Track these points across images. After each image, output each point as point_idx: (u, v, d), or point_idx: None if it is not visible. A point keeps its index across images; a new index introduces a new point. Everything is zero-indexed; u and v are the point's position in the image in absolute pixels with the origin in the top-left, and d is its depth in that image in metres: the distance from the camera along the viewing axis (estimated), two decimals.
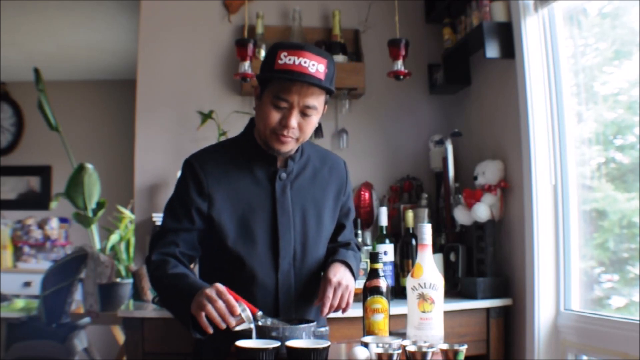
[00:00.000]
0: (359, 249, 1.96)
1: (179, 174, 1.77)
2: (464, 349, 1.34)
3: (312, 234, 1.75)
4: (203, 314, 1.44)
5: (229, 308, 1.44)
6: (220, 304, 1.44)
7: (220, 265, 1.72)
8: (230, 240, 1.67)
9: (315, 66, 1.59)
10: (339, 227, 1.88)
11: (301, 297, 1.75)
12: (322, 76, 1.60)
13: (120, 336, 3.97)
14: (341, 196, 1.84)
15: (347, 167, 1.90)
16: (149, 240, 2.89)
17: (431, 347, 1.34)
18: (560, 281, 2.50)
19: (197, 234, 1.70)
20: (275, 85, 1.61)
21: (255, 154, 1.72)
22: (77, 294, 3.69)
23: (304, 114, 1.63)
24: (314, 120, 1.66)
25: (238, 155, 1.73)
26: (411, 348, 1.34)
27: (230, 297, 1.45)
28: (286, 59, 1.58)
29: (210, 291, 1.45)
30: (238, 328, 1.46)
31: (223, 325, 1.45)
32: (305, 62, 1.58)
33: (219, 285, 1.47)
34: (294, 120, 1.61)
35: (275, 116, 1.62)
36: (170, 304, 1.64)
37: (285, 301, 1.71)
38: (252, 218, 1.68)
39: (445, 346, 1.35)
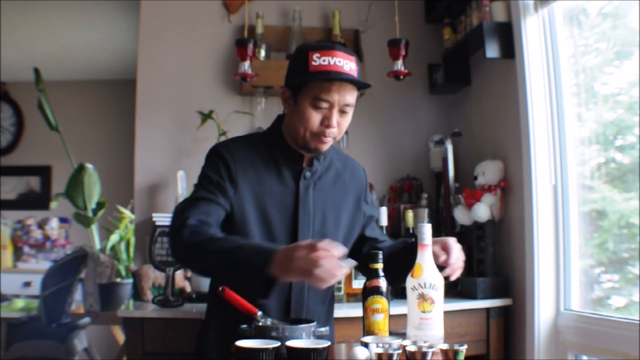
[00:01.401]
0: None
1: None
2: (464, 349, 1.34)
3: (329, 236, 1.73)
4: (316, 271, 1.37)
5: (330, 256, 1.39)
6: (327, 259, 1.38)
7: None
8: (249, 233, 1.66)
9: (349, 64, 1.62)
10: (371, 232, 1.89)
11: (313, 298, 1.75)
12: (355, 73, 1.63)
13: (120, 336, 3.97)
14: (361, 202, 1.85)
15: (365, 173, 1.92)
16: (149, 240, 2.90)
17: (431, 347, 1.34)
18: (560, 281, 2.50)
19: (223, 212, 1.66)
20: (314, 87, 1.62)
21: (282, 151, 1.73)
22: (77, 294, 3.68)
23: (342, 112, 1.65)
24: (349, 117, 1.69)
25: (265, 150, 1.74)
26: (411, 348, 1.33)
27: (324, 245, 1.40)
28: (320, 60, 1.60)
29: (304, 252, 1.39)
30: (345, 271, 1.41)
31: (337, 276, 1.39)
32: (339, 62, 1.60)
33: (303, 243, 1.43)
34: (335, 120, 1.64)
35: (316, 117, 1.64)
36: (234, 265, 1.52)
37: (297, 300, 1.71)
38: (273, 213, 1.69)
39: (445, 346, 1.35)
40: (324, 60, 1.60)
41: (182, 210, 1.64)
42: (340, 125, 1.66)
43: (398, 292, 2.64)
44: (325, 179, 1.77)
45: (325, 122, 1.64)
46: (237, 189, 1.67)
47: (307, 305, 1.74)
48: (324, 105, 1.62)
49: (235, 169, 1.67)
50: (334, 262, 1.38)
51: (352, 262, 1.42)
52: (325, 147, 1.70)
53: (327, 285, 1.39)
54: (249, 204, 1.67)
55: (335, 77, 1.60)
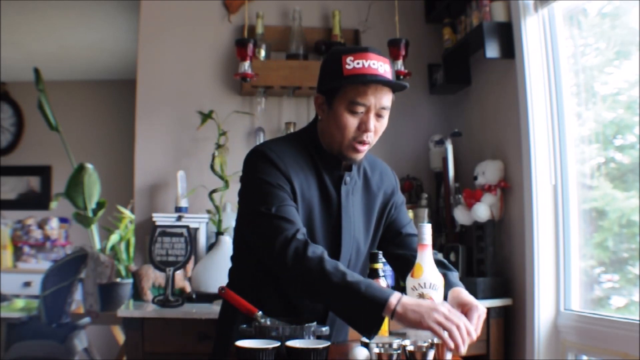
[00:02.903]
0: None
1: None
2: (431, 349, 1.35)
3: (363, 241, 1.73)
4: (446, 332, 1.36)
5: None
6: (462, 325, 1.37)
7: None
8: None
9: (383, 67, 1.58)
10: (400, 222, 1.82)
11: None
12: (389, 75, 1.59)
13: (120, 336, 3.97)
14: (389, 204, 1.80)
15: (394, 173, 1.88)
16: (149, 241, 2.90)
17: (431, 347, 1.34)
18: (560, 281, 2.50)
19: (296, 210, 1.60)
20: (349, 91, 1.58)
21: (321, 156, 1.68)
22: (77, 294, 3.68)
23: (378, 115, 1.61)
24: (385, 121, 1.64)
25: (307, 154, 1.68)
26: (411, 348, 1.33)
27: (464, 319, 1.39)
28: (354, 63, 1.56)
29: (448, 308, 1.39)
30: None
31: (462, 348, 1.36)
32: (374, 64, 1.57)
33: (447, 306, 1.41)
34: (373, 124, 1.60)
35: (353, 122, 1.59)
36: (350, 305, 1.45)
37: (332, 318, 1.67)
38: (316, 219, 1.65)
39: (411, 347, 1.35)
40: (357, 64, 1.56)
41: (275, 230, 1.53)
42: (377, 129, 1.62)
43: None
44: (359, 184, 1.74)
45: (363, 127, 1.59)
46: (293, 188, 1.61)
47: (338, 321, 1.70)
48: (361, 109, 1.58)
49: (288, 172, 1.61)
50: (466, 333, 1.37)
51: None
52: (360, 157, 1.65)
53: (456, 345, 1.35)
54: (299, 209, 1.62)
55: (371, 80, 1.55)
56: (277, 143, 1.71)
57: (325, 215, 1.66)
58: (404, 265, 1.72)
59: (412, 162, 3.23)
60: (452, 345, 1.35)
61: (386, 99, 1.60)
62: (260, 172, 1.61)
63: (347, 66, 1.56)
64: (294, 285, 1.55)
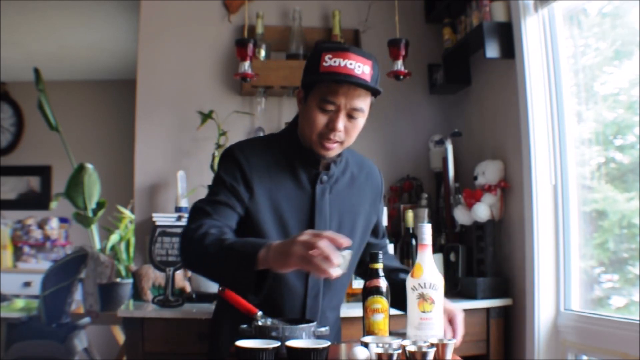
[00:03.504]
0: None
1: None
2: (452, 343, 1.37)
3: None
4: (309, 263, 1.32)
5: (334, 242, 1.33)
6: (326, 242, 1.32)
7: None
8: (266, 238, 1.62)
9: (361, 67, 1.57)
10: (379, 239, 1.89)
11: (328, 303, 1.74)
12: (368, 77, 1.58)
13: (120, 336, 3.97)
14: (377, 204, 1.83)
15: (381, 174, 1.89)
16: (149, 240, 2.90)
17: (431, 346, 1.34)
18: (560, 281, 2.50)
19: (237, 217, 1.64)
20: (322, 88, 1.59)
21: (298, 154, 1.69)
22: (77, 294, 3.68)
23: (350, 116, 1.61)
24: (360, 123, 1.64)
25: (280, 153, 1.70)
26: (411, 348, 1.33)
27: (329, 233, 1.35)
28: (331, 61, 1.56)
29: (306, 236, 1.34)
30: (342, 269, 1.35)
31: (331, 273, 1.32)
32: (351, 64, 1.56)
33: (310, 231, 1.38)
34: (341, 123, 1.60)
35: (322, 119, 1.60)
36: (224, 268, 1.49)
37: (312, 306, 1.69)
38: (289, 219, 1.66)
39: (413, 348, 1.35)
40: (334, 62, 1.56)
41: (196, 214, 1.61)
42: (348, 130, 1.62)
43: None
44: (341, 183, 1.74)
45: (330, 125, 1.59)
46: (252, 194, 1.64)
47: (322, 312, 1.72)
48: (331, 107, 1.59)
49: (251, 174, 1.64)
50: (331, 248, 1.32)
51: (349, 251, 1.38)
52: (330, 153, 1.66)
53: (324, 273, 1.32)
54: (265, 209, 1.64)
55: (342, 79, 1.55)
56: (250, 143, 1.75)
57: (298, 214, 1.67)
58: (364, 273, 1.77)
59: (412, 162, 3.23)
60: (320, 276, 1.36)
61: (359, 100, 1.59)
62: (222, 170, 1.68)
63: (325, 63, 1.57)
64: (190, 268, 1.64)
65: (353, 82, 1.56)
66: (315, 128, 1.61)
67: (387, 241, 2.01)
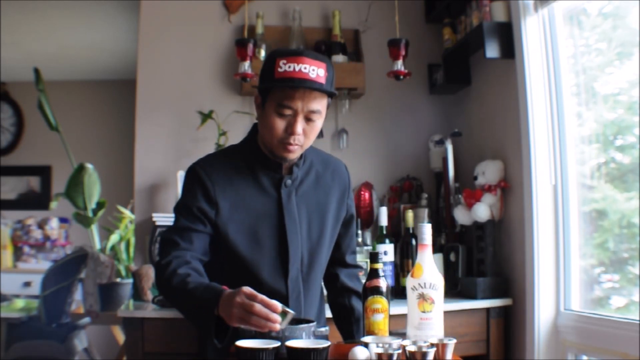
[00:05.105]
0: (361, 267, 2.02)
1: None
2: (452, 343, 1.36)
3: (316, 239, 1.76)
4: (248, 323, 1.38)
5: (269, 308, 1.38)
6: (259, 307, 1.37)
7: (227, 274, 1.71)
8: (238, 249, 1.67)
9: (316, 71, 1.59)
10: (344, 236, 1.90)
11: (309, 302, 1.76)
12: (322, 80, 1.60)
13: (120, 336, 3.97)
14: (345, 200, 1.84)
15: (348, 170, 1.90)
16: (149, 240, 2.90)
17: (431, 346, 1.34)
18: (560, 281, 2.50)
19: (207, 238, 1.68)
20: (278, 93, 1.61)
21: (260, 162, 1.73)
22: (77, 294, 3.69)
23: (308, 119, 1.63)
24: (318, 124, 1.66)
25: (242, 163, 1.73)
26: (411, 348, 1.33)
27: (264, 297, 1.39)
28: (285, 66, 1.58)
29: (241, 298, 1.39)
30: (283, 325, 1.40)
31: (275, 327, 1.38)
32: (305, 68, 1.58)
33: (245, 289, 1.41)
34: (300, 127, 1.62)
35: (280, 124, 1.63)
36: (188, 312, 1.57)
37: (295, 307, 1.70)
38: (259, 225, 1.69)
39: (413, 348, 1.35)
40: (289, 67, 1.58)
41: (165, 246, 1.66)
42: (307, 132, 1.65)
43: (398, 292, 2.65)
44: (306, 184, 1.77)
45: (289, 130, 1.62)
46: (218, 210, 1.67)
47: (305, 309, 1.75)
48: (288, 112, 1.61)
49: (214, 190, 1.67)
50: (267, 313, 1.37)
51: (292, 313, 1.42)
52: (292, 156, 1.68)
53: (264, 328, 1.38)
54: (233, 222, 1.67)
55: (295, 85, 1.58)
56: (211, 159, 1.77)
57: (269, 221, 1.70)
58: (327, 282, 1.90)
59: (412, 162, 3.23)
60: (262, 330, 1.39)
61: (316, 102, 1.62)
62: (184, 192, 1.72)
63: (279, 69, 1.59)
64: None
65: (308, 87, 1.59)
66: (275, 133, 1.64)
67: (356, 228, 2.04)
